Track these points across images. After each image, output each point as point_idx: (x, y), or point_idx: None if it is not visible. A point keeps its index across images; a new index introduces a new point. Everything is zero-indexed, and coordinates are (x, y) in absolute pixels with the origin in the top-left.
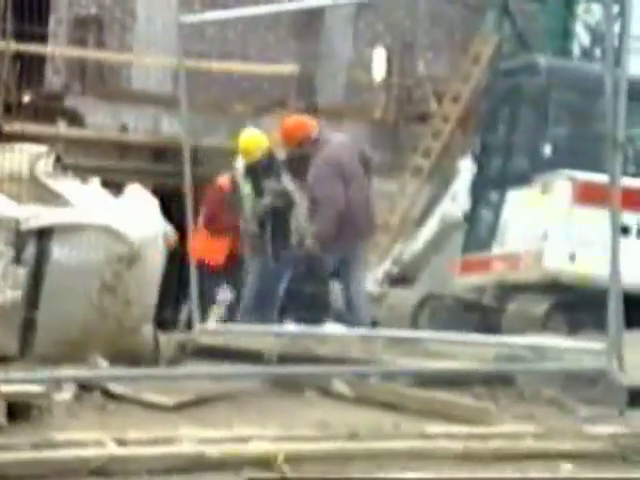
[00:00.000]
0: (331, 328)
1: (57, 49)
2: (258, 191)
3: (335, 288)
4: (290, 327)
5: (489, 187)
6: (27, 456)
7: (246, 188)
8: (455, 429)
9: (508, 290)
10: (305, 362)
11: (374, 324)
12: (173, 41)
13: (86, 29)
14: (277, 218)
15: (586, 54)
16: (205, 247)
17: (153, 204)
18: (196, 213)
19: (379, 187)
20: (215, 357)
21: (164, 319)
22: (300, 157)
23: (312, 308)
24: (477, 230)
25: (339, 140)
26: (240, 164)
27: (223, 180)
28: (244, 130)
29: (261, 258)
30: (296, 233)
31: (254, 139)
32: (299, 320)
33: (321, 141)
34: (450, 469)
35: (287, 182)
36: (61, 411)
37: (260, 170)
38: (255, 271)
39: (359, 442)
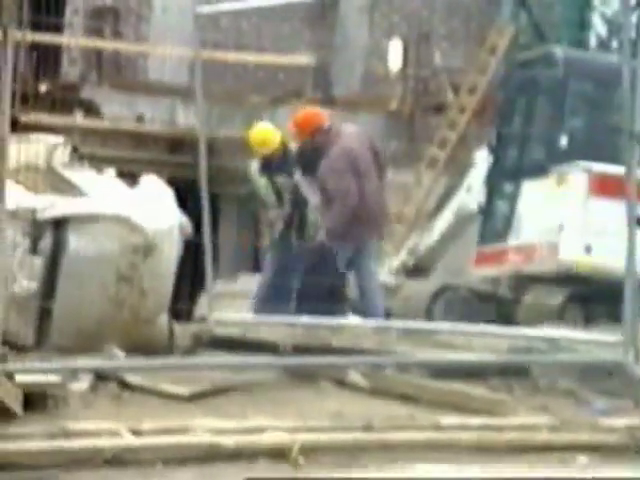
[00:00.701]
0: (353, 320)
1: (73, 39)
2: (274, 186)
3: (350, 280)
4: (304, 318)
5: (505, 178)
6: (42, 445)
7: (261, 181)
8: (470, 420)
9: (524, 281)
10: (320, 353)
11: (388, 315)
12: (189, 32)
13: (102, 19)
14: (292, 212)
15: (603, 45)
16: None
17: (169, 195)
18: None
19: (395, 178)
20: (230, 348)
21: (180, 309)
22: (311, 150)
23: (328, 300)
24: (492, 221)
25: (351, 131)
26: (254, 161)
27: None
28: (255, 124)
29: (277, 250)
30: (311, 226)
31: (265, 133)
32: (315, 312)
33: (333, 133)
34: (464, 460)
35: (299, 177)
36: (76, 401)
37: (274, 165)
38: (271, 263)
39: (374, 433)
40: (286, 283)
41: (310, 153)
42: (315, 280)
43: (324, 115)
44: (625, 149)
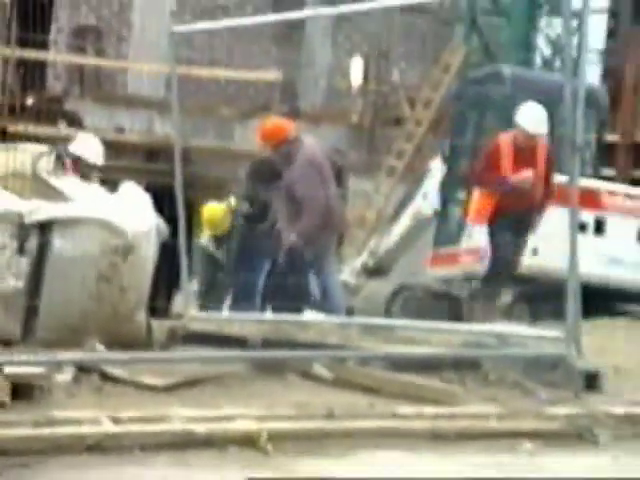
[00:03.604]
0: (310, 316)
1: (58, 56)
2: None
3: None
4: (272, 315)
5: (457, 186)
6: (28, 432)
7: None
8: (425, 410)
9: (474, 281)
10: (287, 347)
11: (350, 312)
12: (165, 49)
13: (85, 38)
14: (255, 220)
15: (547, 64)
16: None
17: (146, 200)
18: None
19: (356, 186)
20: (203, 342)
21: (157, 306)
22: (270, 162)
23: (295, 298)
24: (446, 226)
25: (312, 142)
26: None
27: (507, 136)
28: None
29: (245, 253)
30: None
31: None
32: (281, 309)
33: (298, 143)
34: (420, 447)
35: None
36: (61, 391)
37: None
38: (241, 264)
39: (336, 421)
40: (253, 282)
41: (270, 165)
42: (282, 280)
43: (289, 126)
44: (567, 159)
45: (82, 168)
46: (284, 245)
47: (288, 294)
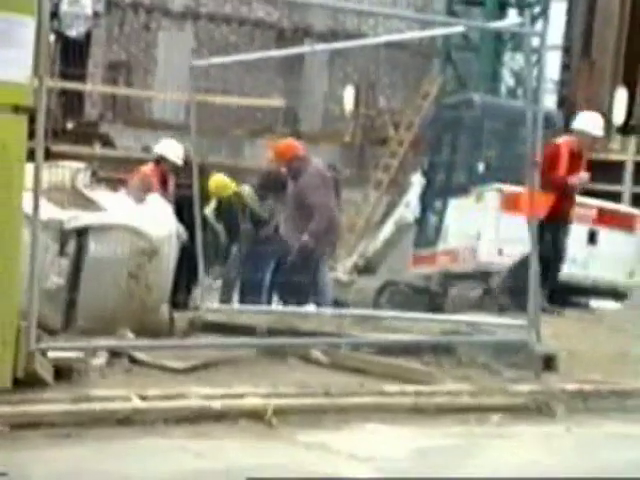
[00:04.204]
0: (310, 308)
1: (94, 87)
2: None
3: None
4: (277, 307)
5: (435, 196)
6: (68, 407)
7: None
8: (407, 388)
9: (450, 278)
10: (289, 335)
11: (343, 305)
12: (186, 80)
13: (117, 71)
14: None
15: (511, 93)
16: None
17: (168, 209)
18: None
19: (348, 196)
20: (218, 331)
21: (178, 300)
22: (276, 175)
23: (304, 292)
24: (425, 231)
25: (316, 159)
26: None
27: (565, 141)
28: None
29: (253, 253)
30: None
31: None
32: (291, 302)
33: (305, 159)
34: (403, 420)
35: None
36: (95, 373)
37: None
38: (249, 263)
39: (331, 398)
40: (261, 278)
41: (276, 176)
42: (296, 276)
43: (299, 145)
44: (527, 174)
45: (165, 166)
46: (296, 244)
47: (299, 288)
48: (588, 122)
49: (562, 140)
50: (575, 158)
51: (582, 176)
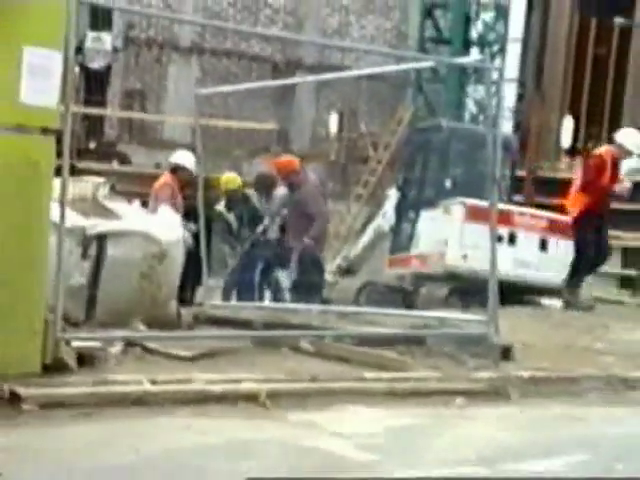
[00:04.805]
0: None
1: (112, 112)
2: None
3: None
4: (270, 304)
5: (408, 208)
6: (89, 390)
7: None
8: (383, 375)
9: (421, 279)
10: (281, 328)
11: (328, 302)
12: (192, 106)
13: (132, 98)
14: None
15: (473, 119)
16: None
17: (176, 218)
18: None
19: (333, 207)
20: (219, 324)
21: (184, 297)
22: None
23: (310, 288)
24: (400, 238)
25: (312, 174)
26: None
27: (606, 150)
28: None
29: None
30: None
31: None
32: (299, 298)
33: (303, 173)
34: (379, 402)
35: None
36: (113, 360)
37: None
38: (242, 267)
39: (318, 383)
40: (251, 278)
41: (268, 178)
42: (302, 274)
43: (297, 162)
44: (488, 189)
45: (181, 175)
46: (298, 247)
47: (305, 285)
48: (628, 138)
49: (603, 150)
50: (614, 166)
51: (626, 186)
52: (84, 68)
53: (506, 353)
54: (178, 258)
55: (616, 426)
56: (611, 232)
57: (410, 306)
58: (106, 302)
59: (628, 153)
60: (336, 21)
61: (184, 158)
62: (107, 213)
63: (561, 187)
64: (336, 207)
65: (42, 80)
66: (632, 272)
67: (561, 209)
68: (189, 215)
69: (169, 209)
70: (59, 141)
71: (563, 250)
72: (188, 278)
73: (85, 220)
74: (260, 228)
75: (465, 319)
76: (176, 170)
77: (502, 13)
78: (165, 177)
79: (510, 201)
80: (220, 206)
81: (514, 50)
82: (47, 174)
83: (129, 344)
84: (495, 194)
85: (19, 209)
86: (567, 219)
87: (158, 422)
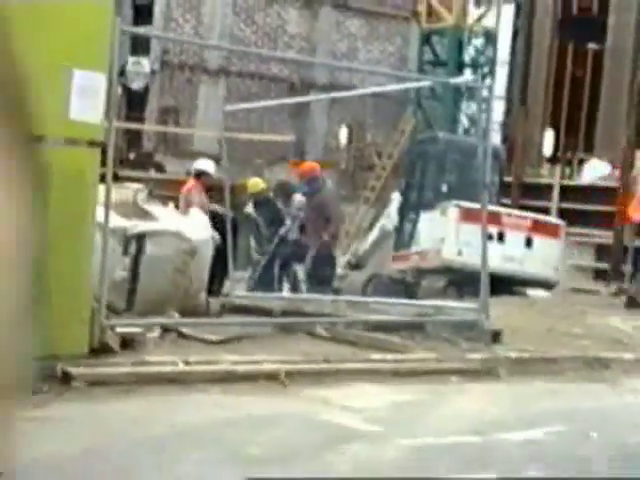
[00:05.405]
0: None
1: (150, 126)
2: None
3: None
4: (289, 294)
5: (410, 210)
6: (130, 370)
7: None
8: (388, 356)
9: (421, 272)
10: (298, 315)
11: (339, 292)
12: (219, 121)
13: (167, 114)
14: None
15: (466, 132)
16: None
17: (205, 219)
18: None
19: (344, 209)
20: (243, 312)
21: (213, 289)
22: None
23: (326, 280)
24: (402, 236)
25: (328, 180)
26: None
27: None
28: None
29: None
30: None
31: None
32: (316, 289)
33: (322, 178)
34: (385, 380)
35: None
36: (151, 343)
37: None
38: (265, 257)
39: (331, 364)
40: (272, 270)
41: (287, 186)
42: (319, 268)
43: (318, 167)
44: (480, 193)
45: (204, 179)
46: (317, 243)
47: (322, 277)
48: None
49: None
50: None
51: None
52: (126, 88)
53: (496, 337)
54: (207, 254)
55: (591, 400)
56: (585, 231)
57: (411, 296)
58: (144, 293)
59: None
60: (345, 46)
61: (206, 165)
62: (145, 215)
63: (543, 191)
64: (346, 209)
65: (89, 99)
66: (605, 265)
67: (543, 210)
68: (215, 219)
69: (199, 211)
70: (103, 152)
71: (545, 247)
72: (216, 272)
73: (126, 221)
74: (283, 229)
75: (460, 307)
76: (200, 175)
77: (491, 39)
78: (191, 182)
79: (499, 204)
80: (249, 208)
81: (502, 71)
82: (93, 181)
83: (165, 330)
84: (486, 198)
85: (69, 212)
86: (550, 220)
87: (190, 399)
